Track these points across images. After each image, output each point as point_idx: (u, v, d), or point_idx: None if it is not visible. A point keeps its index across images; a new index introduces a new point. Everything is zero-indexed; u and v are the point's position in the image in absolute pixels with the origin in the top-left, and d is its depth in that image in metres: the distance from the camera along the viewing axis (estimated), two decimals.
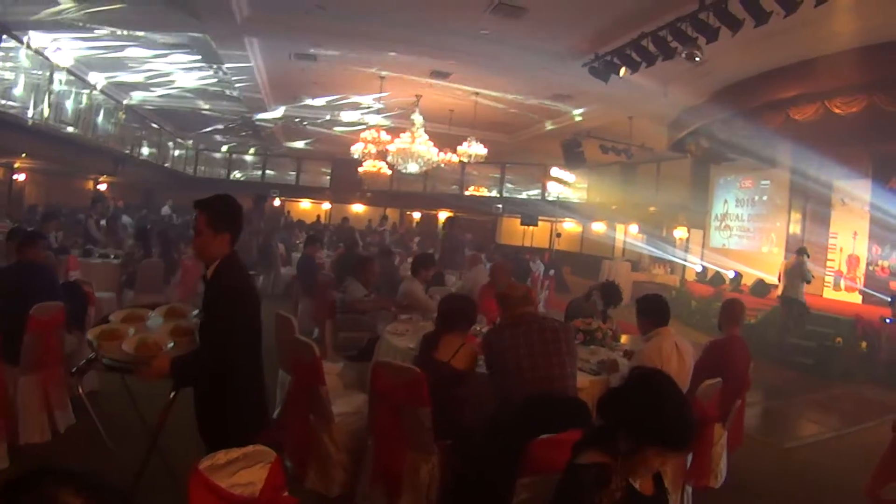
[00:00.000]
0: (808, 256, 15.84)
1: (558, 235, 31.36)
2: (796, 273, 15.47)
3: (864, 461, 6.90)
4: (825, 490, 7.40)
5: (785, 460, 8.46)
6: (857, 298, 18.35)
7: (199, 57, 17.88)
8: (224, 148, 36.53)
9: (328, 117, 24.65)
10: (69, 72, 18.57)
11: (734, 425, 6.86)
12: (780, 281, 16.04)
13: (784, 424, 10.80)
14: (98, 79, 20.82)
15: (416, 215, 35.58)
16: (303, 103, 22.71)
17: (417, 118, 19.84)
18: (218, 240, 3.94)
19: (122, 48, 17.65)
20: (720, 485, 6.48)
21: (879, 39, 12.21)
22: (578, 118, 21.25)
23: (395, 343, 6.78)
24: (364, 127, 21.58)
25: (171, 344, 4.39)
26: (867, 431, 9.78)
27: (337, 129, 26.39)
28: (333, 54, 16.66)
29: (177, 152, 33.25)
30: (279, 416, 6.08)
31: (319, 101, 21.16)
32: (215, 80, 20.29)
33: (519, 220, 29.88)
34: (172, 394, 4.14)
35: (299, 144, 32.74)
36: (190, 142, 34.20)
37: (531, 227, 29.35)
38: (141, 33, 15.86)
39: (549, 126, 23.36)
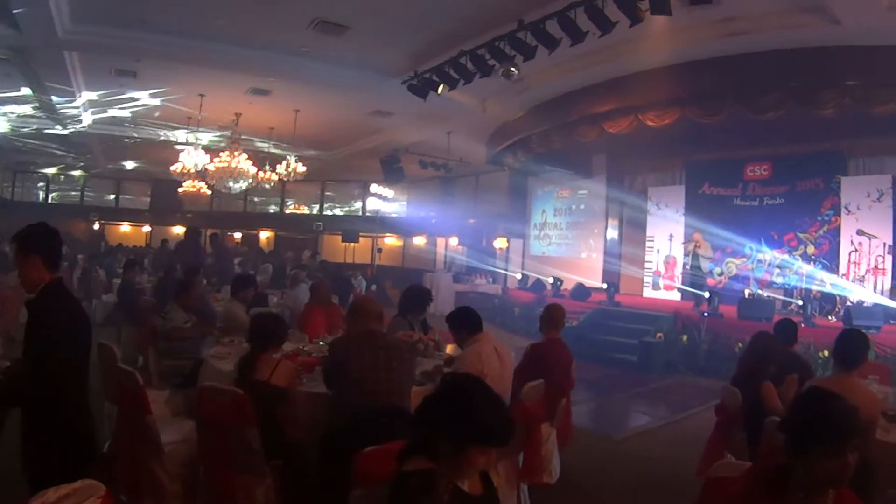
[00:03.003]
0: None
1: (379, 250, 31.69)
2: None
3: (692, 446, 7.18)
4: (658, 475, 7.64)
5: (617, 451, 8.70)
6: (676, 296, 19.40)
7: (16, 71, 17.01)
8: (43, 169, 34.52)
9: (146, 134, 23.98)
10: None
11: (562, 423, 6.97)
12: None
13: (613, 418, 11.13)
14: None
15: (238, 235, 34.90)
16: (122, 116, 21.92)
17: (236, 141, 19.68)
18: (29, 262, 3.87)
19: None
20: (555, 480, 6.55)
21: (691, 57, 13.02)
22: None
23: (219, 366, 6.61)
24: (183, 146, 21.11)
25: None
26: (693, 418, 10.16)
27: (155, 147, 25.62)
28: (154, 70, 16.28)
29: None
30: (109, 448, 5.90)
31: (142, 94, 20.23)
32: (32, 95, 19.39)
33: (340, 237, 29.84)
34: None
35: (120, 165, 31.51)
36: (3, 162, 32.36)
37: (353, 244, 29.31)
38: None
39: (368, 143, 23.48)
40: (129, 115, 21.21)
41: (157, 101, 19.47)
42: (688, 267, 18.25)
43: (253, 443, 4.86)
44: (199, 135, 21.01)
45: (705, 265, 17.88)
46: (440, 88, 13.44)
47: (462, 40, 12.58)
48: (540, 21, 10.75)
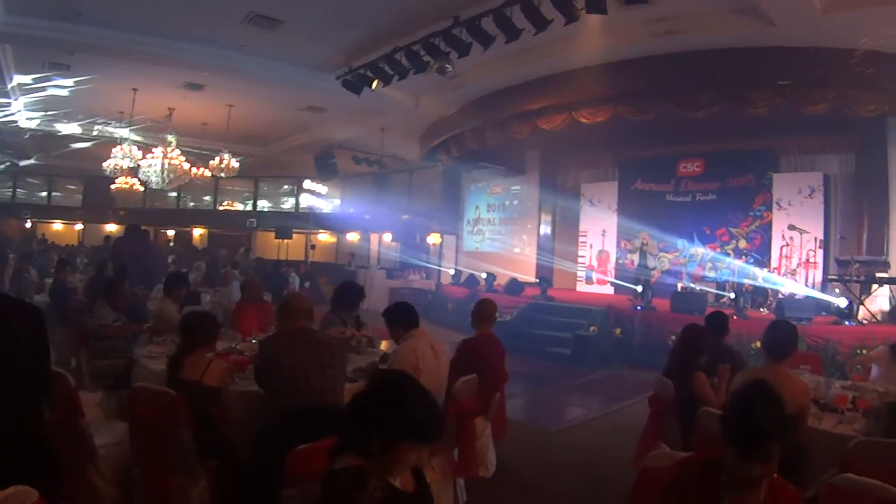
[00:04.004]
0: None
1: (313, 247, 31.46)
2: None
3: (627, 436, 7.25)
4: (594, 466, 7.72)
5: (553, 444, 8.76)
6: (609, 290, 19.72)
7: None
8: None
9: (80, 130, 23.47)
10: None
11: (497, 416, 7.02)
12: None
13: (549, 411, 11.18)
14: None
15: (171, 233, 34.52)
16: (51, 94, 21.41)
17: (170, 136, 19.38)
18: None
19: None
20: (492, 473, 6.62)
21: (625, 56, 13.21)
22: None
23: (151, 367, 6.44)
24: (116, 141, 20.80)
25: None
26: (627, 409, 10.31)
27: (89, 143, 25.06)
28: (88, 64, 15.97)
29: None
30: None
31: (67, 82, 19.71)
32: None
33: (273, 234, 29.67)
34: None
35: (51, 160, 30.49)
36: None
37: (286, 241, 29.14)
38: None
39: (302, 138, 23.39)
40: (60, 109, 20.78)
41: (89, 95, 19.08)
42: (635, 265, 18.64)
43: (186, 444, 4.80)
44: (132, 130, 20.70)
45: (652, 262, 18.32)
46: (374, 84, 13.45)
47: (397, 36, 12.59)
48: (475, 18, 10.77)
